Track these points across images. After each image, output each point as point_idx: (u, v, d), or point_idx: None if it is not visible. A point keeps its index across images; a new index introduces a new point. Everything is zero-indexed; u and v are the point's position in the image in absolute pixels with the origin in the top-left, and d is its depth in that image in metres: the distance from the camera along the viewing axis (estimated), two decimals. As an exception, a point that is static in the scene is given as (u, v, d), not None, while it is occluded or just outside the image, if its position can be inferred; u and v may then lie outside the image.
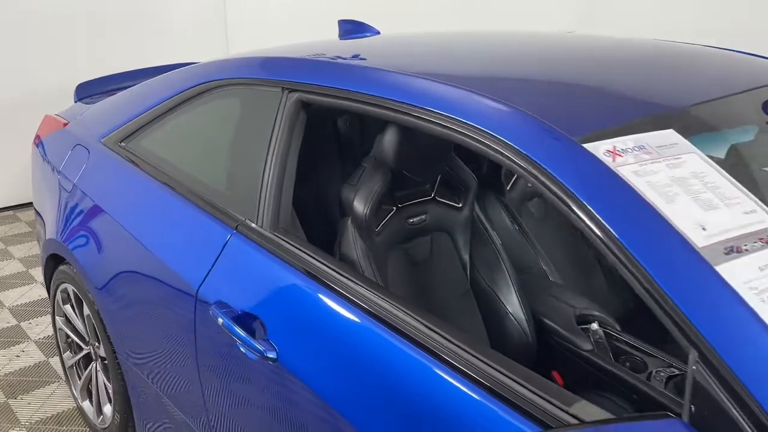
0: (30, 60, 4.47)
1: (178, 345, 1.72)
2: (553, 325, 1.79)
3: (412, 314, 1.24)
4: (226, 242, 1.61)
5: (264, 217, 1.57)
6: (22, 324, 3.21)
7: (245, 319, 1.47)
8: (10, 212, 4.70)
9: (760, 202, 1.08)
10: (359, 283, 1.36)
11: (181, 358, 1.72)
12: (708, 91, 1.41)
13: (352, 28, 2.40)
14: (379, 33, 2.34)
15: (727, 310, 0.91)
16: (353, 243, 1.64)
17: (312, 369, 1.36)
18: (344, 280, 1.37)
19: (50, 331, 3.00)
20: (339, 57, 1.70)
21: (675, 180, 1.08)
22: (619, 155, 1.11)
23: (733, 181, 1.12)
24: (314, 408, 1.35)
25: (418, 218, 1.84)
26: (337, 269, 1.41)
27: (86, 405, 2.46)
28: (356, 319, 1.32)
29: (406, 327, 1.23)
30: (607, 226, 1.02)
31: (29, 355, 2.96)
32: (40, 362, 2.90)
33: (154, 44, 4.82)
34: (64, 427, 2.49)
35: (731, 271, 0.94)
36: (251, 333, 1.44)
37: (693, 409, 0.90)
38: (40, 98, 4.20)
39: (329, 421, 1.32)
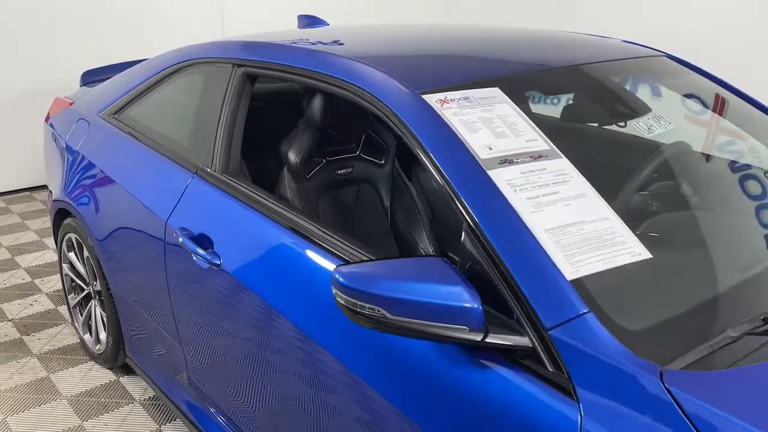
0: (42, 54, 5.00)
1: (153, 265, 2.19)
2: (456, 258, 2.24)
3: (319, 228, 1.68)
4: (188, 183, 2.09)
5: (217, 163, 2.05)
6: (36, 281, 3.72)
7: (199, 238, 1.94)
8: (27, 193, 5.23)
9: (543, 136, 1.54)
10: (283, 208, 1.81)
11: (155, 276, 2.20)
12: (539, 64, 1.87)
13: (309, 21, 2.88)
14: (328, 25, 2.82)
15: (491, 196, 1.36)
16: (287, 185, 2.11)
17: (246, 271, 1.83)
18: (273, 206, 1.82)
19: (59, 286, 3.49)
20: (283, 40, 2.17)
21: (482, 119, 1.54)
22: (447, 103, 1.57)
23: (529, 121, 1.57)
24: (249, 300, 1.81)
25: (345, 170, 2.31)
26: (268, 199, 1.87)
27: (87, 337, 2.95)
28: (280, 233, 1.78)
29: (316, 238, 1.67)
30: (426, 148, 1.48)
31: (41, 303, 3.46)
32: (49, 309, 3.40)
33: (154, 39, 5.31)
34: (68, 356, 2.98)
35: (498, 174, 1.40)
36: (203, 247, 1.91)
37: (459, 259, 1.36)
38: (52, 88, 4.71)
39: (261, 310, 1.78)
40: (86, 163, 2.65)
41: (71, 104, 3.05)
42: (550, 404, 1.15)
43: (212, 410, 2.13)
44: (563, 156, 1.50)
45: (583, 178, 1.45)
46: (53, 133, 3.06)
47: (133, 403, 2.66)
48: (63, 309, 3.37)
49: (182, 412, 2.30)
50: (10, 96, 5.01)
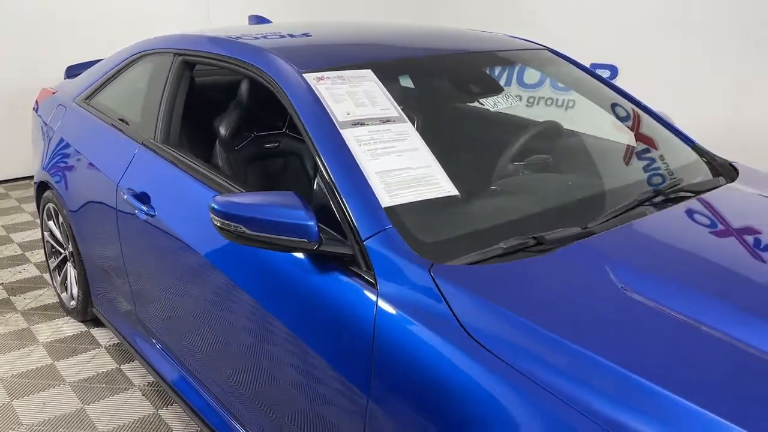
0: (33, 54, 5.48)
1: (109, 224, 2.62)
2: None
3: (237, 188, 2.08)
4: (135, 152, 2.52)
5: (159, 135, 2.48)
6: (26, 253, 4.17)
7: (140, 195, 2.37)
8: (27, 181, 5.70)
9: (397, 107, 1.95)
10: (211, 172, 2.22)
11: (110, 233, 2.62)
12: (415, 53, 2.29)
13: (256, 21, 3.31)
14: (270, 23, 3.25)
15: (339, 148, 1.77)
16: (218, 155, 2.53)
17: (175, 220, 2.25)
18: (203, 170, 2.23)
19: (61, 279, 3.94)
20: (213, 33, 2.59)
21: (348, 92, 1.96)
22: (323, 80, 1.99)
23: (388, 95, 1.98)
24: (178, 245, 2.22)
25: (272, 144, 2.74)
26: (199, 165, 2.28)
27: (64, 295, 3.39)
28: (204, 190, 2.18)
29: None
30: (300, 115, 1.89)
31: (28, 271, 3.91)
32: (35, 276, 3.85)
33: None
34: (47, 312, 3.42)
35: (349, 132, 1.81)
36: (143, 203, 2.33)
37: (314, 194, 1.78)
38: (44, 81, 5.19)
39: (187, 249, 2.18)
40: (61, 141, 3.10)
41: (54, 93, 3.50)
42: (362, 291, 1.56)
43: (157, 345, 2.55)
44: (408, 121, 1.91)
45: (420, 138, 1.86)
46: (38, 117, 3.51)
47: (99, 348, 3.10)
48: (47, 277, 3.81)
49: (136, 349, 2.72)
50: (14, 92, 5.49)
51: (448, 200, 1.73)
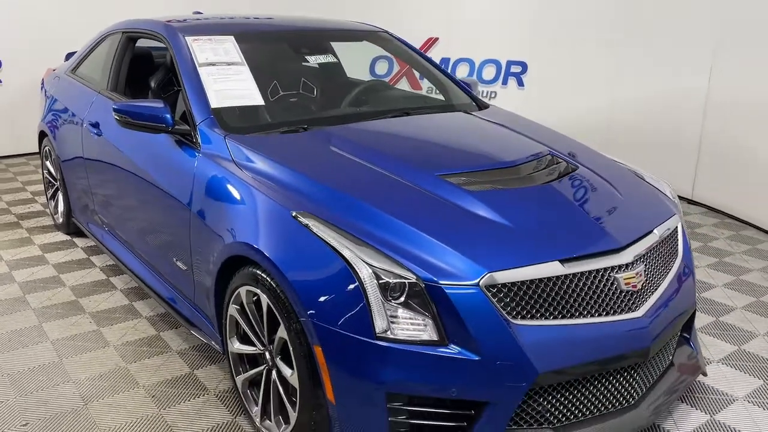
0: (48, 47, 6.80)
1: (77, 149, 3.84)
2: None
3: None
4: (94, 99, 3.75)
5: (109, 86, 3.70)
6: (35, 196, 5.44)
7: (95, 123, 3.59)
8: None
9: (242, 56, 3.12)
10: None
11: (77, 153, 3.84)
12: (274, 29, 3.48)
13: (196, 13, 4.54)
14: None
15: (196, 78, 2.95)
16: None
17: (111, 134, 3.45)
18: None
19: (54, 204, 5.20)
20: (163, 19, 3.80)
21: (212, 48, 3.13)
22: (197, 41, 3.17)
23: (239, 51, 3.15)
24: (112, 148, 3.41)
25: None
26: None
27: (56, 216, 4.63)
28: None
29: None
30: (178, 62, 3.07)
31: (34, 207, 5.17)
32: (38, 210, 5.11)
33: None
34: (45, 230, 4.66)
35: (203, 69, 2.98)
36: (95, 127, 3.55)
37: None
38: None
39: (115, 150, 3.36)
40: (56, 103, 4.36)
41: (54, 70, 4.78)
42: (193, 152, 2.73)
43: (105, 228, 3.75)
44: (245, 65, 3.08)
45: (250, 75, 3.02)
46: (43, 90, 4.79)
47: (76, 248, 4.31)
48: (47, 211, 5.06)
49: (97, 239, 3.92)
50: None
51: (254, 107, 2.90)
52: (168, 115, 2.78)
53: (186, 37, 3.18)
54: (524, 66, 6.83)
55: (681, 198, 5.48)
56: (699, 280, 3.84)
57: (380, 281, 1.93)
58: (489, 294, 1.94)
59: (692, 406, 2.62)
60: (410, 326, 1.93)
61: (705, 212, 5.24)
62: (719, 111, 5.11)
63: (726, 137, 5.06)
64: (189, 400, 2.63)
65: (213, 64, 3.06)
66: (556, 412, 2.09)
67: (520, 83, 6.87)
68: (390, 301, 1.93)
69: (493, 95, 7.06)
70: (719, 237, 4.66)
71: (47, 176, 4.68)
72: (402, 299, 1.94)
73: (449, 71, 6.50)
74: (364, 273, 1.94)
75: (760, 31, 4.68)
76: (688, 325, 2.62)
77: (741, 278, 3.92)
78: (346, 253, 1.99)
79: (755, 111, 4.76)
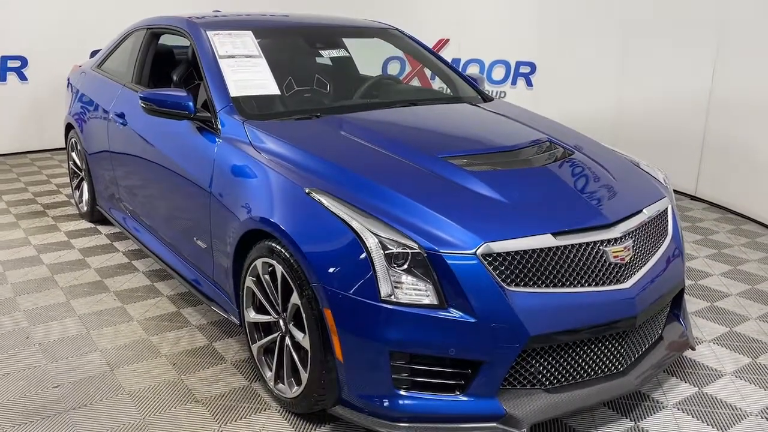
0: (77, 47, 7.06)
1: (103, 139, 4.06)
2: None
3: None
4: (120, 91, 3.96)
5: (134, 79, 3.91)
6: (60, 188, 5.68)
7: (120, 114, 3.80)
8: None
9: (259, 50, 3.31)
10: None
11: (103, 142, 4.06)
12: (291, 25, 3.68)
13: (214, 11, 4.76)
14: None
15: (216, 68, 3.14)
16: (173, 93, 3.95)
17: (137, 124, 3.65)
18: None
19: (78, 194, 5.43)
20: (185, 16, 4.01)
21: (232, 42, 3.33)
22: (217, 35, 3.37)
23: (257, 45, 3.35)
24: (137, 138, 3.61)
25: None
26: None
27: (81, 205, 4.85)
28: None
29: None
30: (199, 54, 3.27)
31: (59, 197, 5.40)
32: (63, 201, 5.33)
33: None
34: (70, 218, 4.88)
35: (223, 61, 3.18)
36: (121, 117, 3.77)
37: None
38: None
39: (140, 139, 3.57)
40: (80, 94, 4.58)
41: (80, 66, 5.01)
42: (213, 137, 2.92)
43: (134, 220, 3.95)
44: (263, 58, 3.27)
45: (267, 67, 3.22)
46: (70, 84, 5.02)
47: (99, 234, 4.52)
48: (71, 196, 5.29)
49: (122, 226, 4.13)
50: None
51: (270, 96, 3.10)
52: (191, 103, 2.98)
53: (207, 32, 3.38)
54: (533, 66, 6.99)
55: (684, 194, 5.62)
56: (697, 269, 3.98)
57: (386, 251, 2.10)
58: (485, 262, 2.11)
59: (682, 380, 2.77)
60: (413, 291, 2.11)
61: (707, 208, 5.37)
62: (722, 110, 5.24)
63: (729, 135, 5.19)
64: (208, 368, 2.82)
65: (232, 57, 3.25)
66: (549, 375, 2.25)
67: (529, 83, 7.03)
68: (394, 267, 2.10)
69: (502, 95, 7.23)
70: (720, 231, 4.79)
71: (73, 167, 4.90)
72: (405, 266, 2.11)
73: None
74: (371, 242, 2.12)
75: (763, 31, 4.82)
76: (678, 303, 2.77)
77: (738, 268, 4.05)
78: (355, 225, 2.17)
79: (758, 109, 4.89)
